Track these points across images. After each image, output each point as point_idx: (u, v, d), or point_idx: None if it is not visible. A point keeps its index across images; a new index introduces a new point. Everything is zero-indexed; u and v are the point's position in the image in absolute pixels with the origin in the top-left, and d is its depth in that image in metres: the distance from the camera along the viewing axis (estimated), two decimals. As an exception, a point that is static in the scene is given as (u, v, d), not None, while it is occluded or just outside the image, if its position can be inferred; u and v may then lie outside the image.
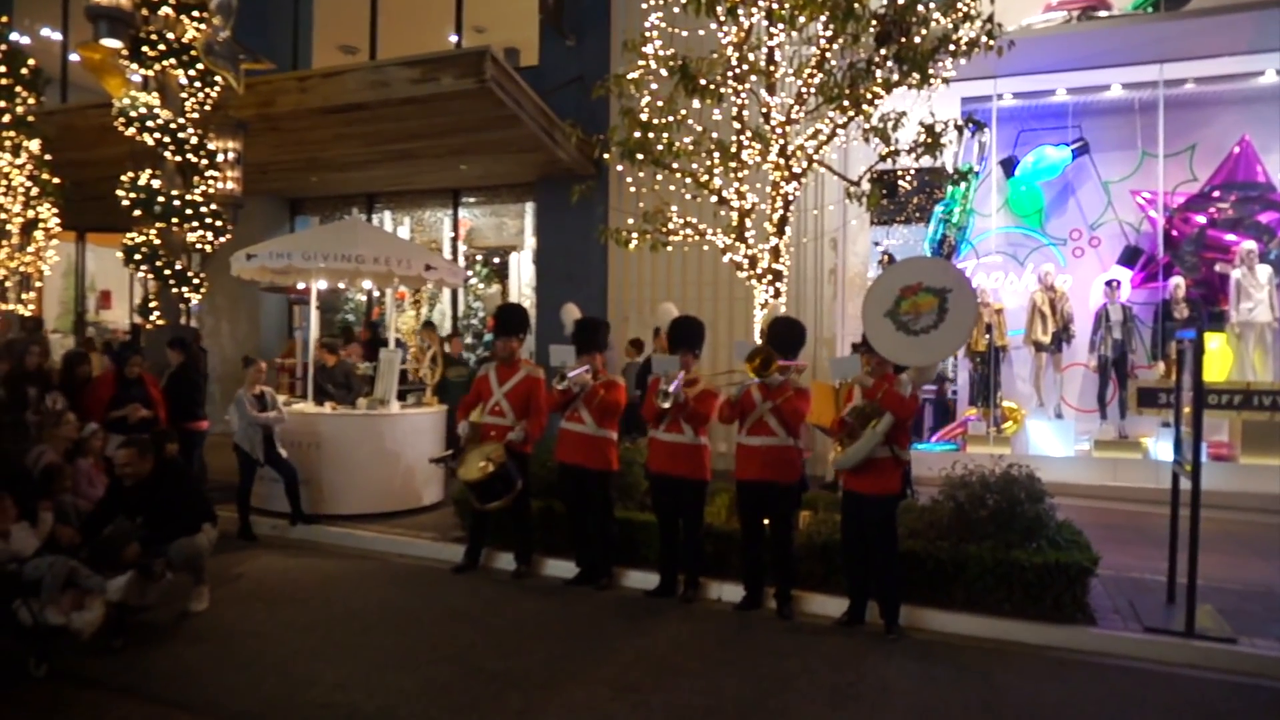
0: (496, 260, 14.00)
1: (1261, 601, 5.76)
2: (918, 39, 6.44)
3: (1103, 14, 10.06)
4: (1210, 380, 9.22)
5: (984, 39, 6.53)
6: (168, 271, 8.65)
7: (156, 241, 8.60)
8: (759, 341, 6.10)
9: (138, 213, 8.56)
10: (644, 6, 7.09)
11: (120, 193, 8.56)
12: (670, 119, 6.82)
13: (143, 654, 4.71)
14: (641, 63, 6.85)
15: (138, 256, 8.61)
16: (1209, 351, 9.31)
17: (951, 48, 6.52)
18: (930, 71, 6.46)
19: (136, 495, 5.22)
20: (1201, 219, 10.75)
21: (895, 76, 6.53)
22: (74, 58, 13.72)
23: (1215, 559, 6.47)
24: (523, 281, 13.48)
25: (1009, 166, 11.55)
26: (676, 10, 6.84)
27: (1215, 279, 10.60)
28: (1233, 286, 10.18)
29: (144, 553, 4.99)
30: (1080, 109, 11.41)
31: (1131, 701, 4.34)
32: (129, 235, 8.71)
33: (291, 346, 13.09)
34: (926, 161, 7.01)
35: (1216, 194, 10.76)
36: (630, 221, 7.24)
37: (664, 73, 6.81)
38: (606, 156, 6.99)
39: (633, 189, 7.51)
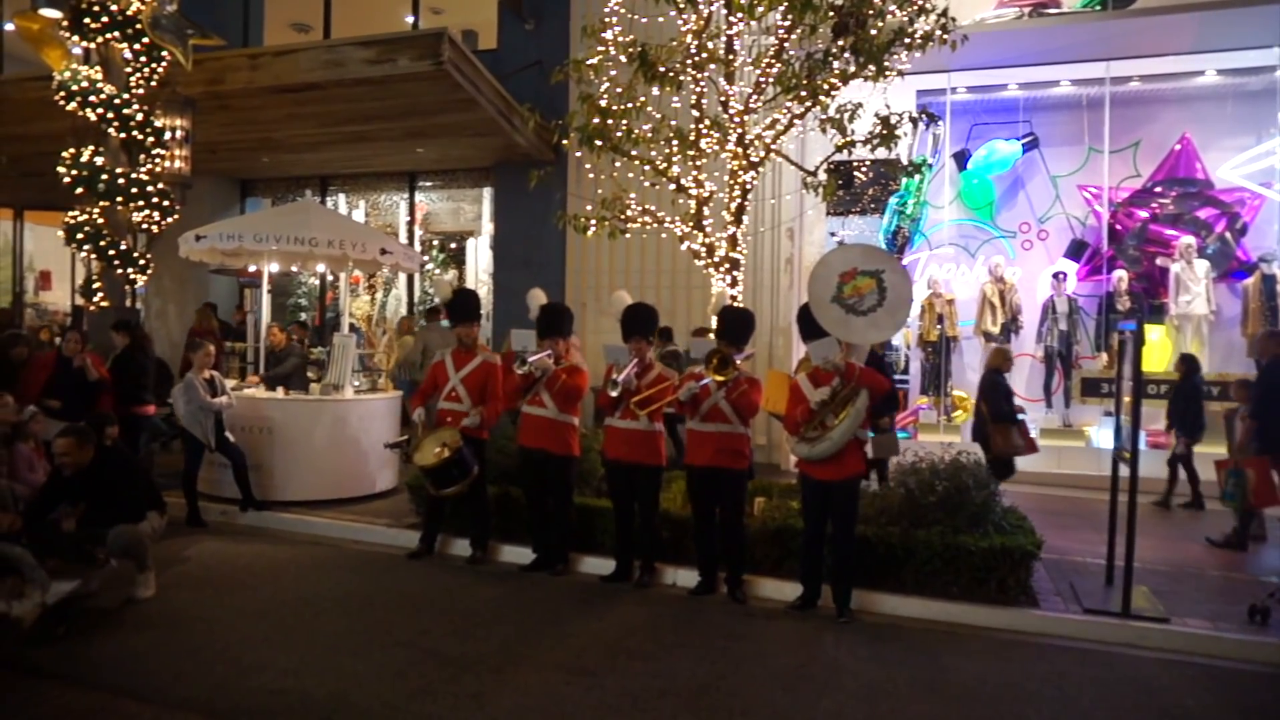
0: (454, 245, 13.85)
1: (1193, 582, 6.00)
2: (874, 31, 6.53)
3: (1052, 11, 10.28)
4: (1150, 370, 9.53)
5: (938, 33, 6.64)
6: (112, 252, 8.40)
7: (100, 221, 8.35)
8: (712, 334, 6.15)
9: (80, 191, 8.30)
10: (603, -8, 7.07)
11: (61, 169, 8.29)
12: (629, 106, 6.83)
13: (87, 641, 4.60)
14: (601, 48, 6.84)
15: (80, 236, 8.35)
16: (1149, 343, 9.63)
17: (906, 41, 6.63)
18: (885, 64, 6.56)
19: (78, 483, 5.10)
20: (1144, 214, 11.07)
21: (851, 68, 6.62)
22: (10, 27, 13.21)
23: (1152, 542, 6.73)
24: (480, 267, 13.36)
25: (961, 159, 11.74)
26: (636, -4, 6.84)
27: (1156, 272, 10.93)
28: (1172, 280, 10.50)
29: (85, 539, 4.88)
30: (1030, 104, 11.63)
31: (1070, 679, 4.49)
32: (70, 214, 8.45)
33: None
34: (882, 153, 7.12)
35: (1158, 190, 11.07)
36: (589, 208, 7.23)
37: (623, 59, 6.80)
38: (565, 142, 6.97)
39: (591, 175, 7.50)
